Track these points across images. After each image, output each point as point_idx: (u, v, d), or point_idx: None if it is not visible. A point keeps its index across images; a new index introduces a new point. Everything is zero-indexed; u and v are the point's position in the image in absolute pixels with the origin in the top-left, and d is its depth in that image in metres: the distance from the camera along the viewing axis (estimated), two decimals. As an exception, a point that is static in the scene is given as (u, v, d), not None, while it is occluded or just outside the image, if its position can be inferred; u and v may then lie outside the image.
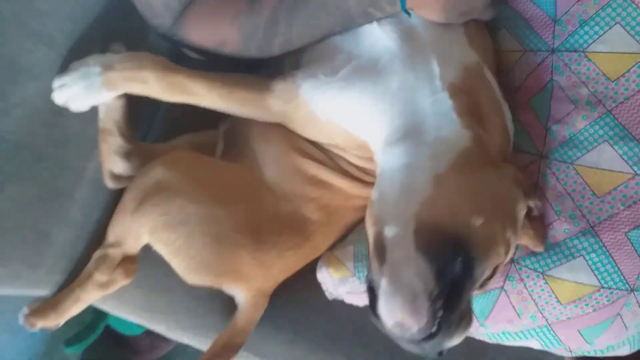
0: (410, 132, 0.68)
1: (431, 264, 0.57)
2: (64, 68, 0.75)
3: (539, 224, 0.68)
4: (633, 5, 0.63)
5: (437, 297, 0.56)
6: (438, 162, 0.65)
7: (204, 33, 0.76)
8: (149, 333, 1.46)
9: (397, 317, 0.57)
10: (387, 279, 0.58)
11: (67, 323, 0.91)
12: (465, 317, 0.60)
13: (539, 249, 0.69)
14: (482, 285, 0.65)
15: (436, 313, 0.56)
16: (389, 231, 0.61)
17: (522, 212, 0.67)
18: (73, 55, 0.76)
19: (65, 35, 0.75)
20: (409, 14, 0.70)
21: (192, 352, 1.66)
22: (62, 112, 0.77)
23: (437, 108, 0.68)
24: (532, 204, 0.67)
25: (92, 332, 1.27)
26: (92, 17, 0.78)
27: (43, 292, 0.90)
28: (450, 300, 0.57)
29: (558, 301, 0.70)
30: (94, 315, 1.28)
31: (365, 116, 0.72)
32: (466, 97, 0.69)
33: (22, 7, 0.68)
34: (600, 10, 0.65)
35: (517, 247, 0.72)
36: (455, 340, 0.60)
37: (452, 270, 0.58)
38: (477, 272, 0.60)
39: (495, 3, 0.74)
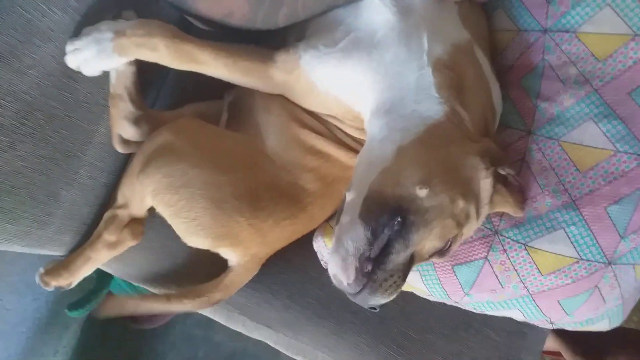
0: (394, 105, 0.71)
1: (366, 229, 0.63)
2: (77, 32, 0.78)
3: (516, 191, 0.69)
4: (624, -13, 0.65)
5: (367, 258, 0.63)
6: (405, 135, 0.68)
7: (211, 2, 0.78)
8: (149, 301, 1.50)
9: (333, 272, 0.65)
10: (333, 238, 0.65)
11: (72, 288, 0.96)
12: (396, 279, 0.64)
13: (519, 214, 0.71)
14: (441, 255, 0.69)
15: (363, 272, 0.63)
16: (348, 196, 0.68)
17: (484, 186, 0.67)
18: (86, 20, 0.79)
19: (79, 0, 0.78)
20: None
21: (191, 323, 1.72)
22: (74, 75, 0.80)
23: (420, 83, 0.71)
24: (504, 171, 0.67)
25: (95, 298, 1.30)
26: (106, -16, 0.81)
27: (55, 252, 0.94)
28: (379, 261, 0.63)
29: (539, 272, 0.73)
30: (97, 281, 1.32)
31: (359, 86, 0.75)
32: (450, 73, 0.71)
33: (39, -30, 0.71)
34: (591, -8, 0.67)
35: (501, 219, 0.75)
36: (380, 298, 0.65)
37: (385, 235, 0.63)
38: (412, 238, 0.64)
39: None
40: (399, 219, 0.63)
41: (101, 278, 1.28)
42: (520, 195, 0.68)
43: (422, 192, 0.64)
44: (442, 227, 0.65)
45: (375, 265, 0.64)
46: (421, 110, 0.70)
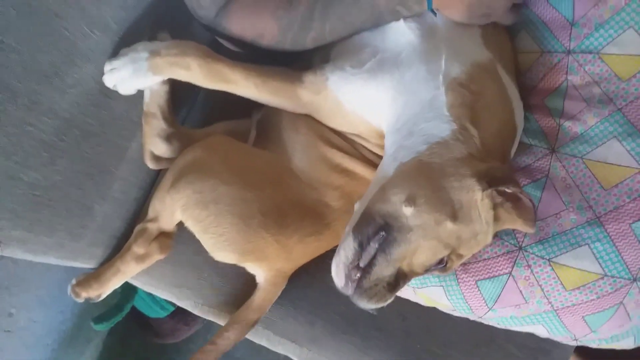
0: (406, 122, 0.74)
1: (354, 241, 0.69)
2: (115, 53, 0.82)
3: (524, 208, 0.68)
4: (647, 10, 0.67)
5: (355, 267, 0.69)
6: (408, 152, 0.71)
7: (244, 24, 0.81)
8: (171, 317, 1.52)
9: (333, 276, 0.72)
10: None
11: (96, 303, 0.98)
12: (380, 289, 0.69)
13: (529, 231, 0.70)
14: (442, 271, 0.72)
15: (351, 279, 0.70)
16: (355, 208, 0.73)
17: (482, 207, 0.68)
18: (123, 42, 0.82)
19: (118, 23, 0.81)
20: (434, 13, 0.75)
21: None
22: (111, 94, 0.84)
23: (433, 102, 0.73)
24: (509, 189, 0.67)
25: (120, 312, 1.32)
26: (142, 7, 0.84)
27: (86, 265, 0.96)
28: (365, 270, 0.69)
29: (563, 287, 0.73)
30: (122, 295, 1.34)
31: (381, 105, 0.77)
32: (465, 91, 0.73)
33: (83, -7, 0.74)
34: (615, 15, 0.69)
35: (525, 235, 0.76)
36: (368, 304, 0.70)
37: (372, 247, 0.69)
38: (393, 254, 0.68)
39: (516, 8, 0.78)
40: (382, 234, 0.68)
41: (125, 293, 1.31)
42: (529, 212, 0.67)
43: (407, 211, 0.67)
44: (428, 246, 0.68)
45: (362, 274, 0.69)
46: (429, 128, 0.72)
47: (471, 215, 0.68)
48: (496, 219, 0.70)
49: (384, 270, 0.69)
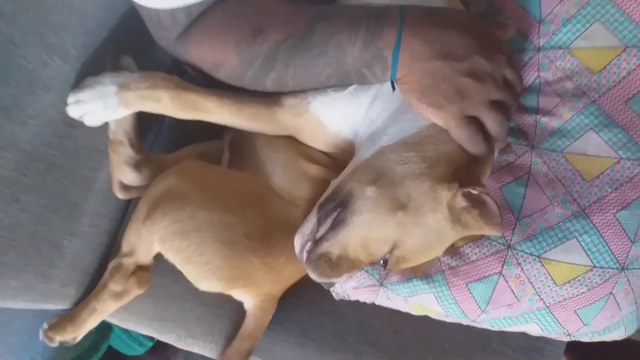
0: (389, 115, 0.75)
1: (316, 215, 0.73)
2: (78, 81, 0.78)
3: (486, 210, 0.67)
4: (612, 3, 0.68)
5: (311, 239, 0.73)
6: (392, 138, 0.72)
7: (204, 51, 0.76)
8: (150, 353, 1.46)
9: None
10: None
11: (68, 345, 0.93)
12: (323, 263, 0.72)
13: (496, 233, 0.69)
14: (384, 267, 0.73)
15: (305, 248, 0.74)
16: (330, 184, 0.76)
17: (441, 209, 0.68)
18: (85, 68, 0.79)
19: (79, 49, 0.78)
20: (393, 86, 0.71)
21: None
22: (74, 123, 0.80)
23: None
24: (475, 191, 0.66)
25: (95, 353, 1.26)
26: (103, 31, 0.81)
27: (59, 306, 0.91)
28: (316, 243, 0.73)
29: (554, 282, 0.73)
30: (97, 335, 1.28)
31: (359, 115, 0.77)
32: None
33: (41, 20, 0.70)
34: (581, 9, 0.70)
35: (513, 233, 0.76)
36: (312, 274, 0.73)
37: (327, 223, 0.72)
38: (339, 233, 0.70)
39: (481, 131, 0.68)
40: (338, 212, 0.71)
41: (100, 331, 1.25)
42: (494, 216, 0.66)
43: (370, 191, 0.69)
44: (372, 235, 0.70)
45: (313, 246, 0.73)
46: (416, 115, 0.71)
47: (425, 214, 0.68)
48: (462, 224, 0.69)
49: (331, 247, 0.71)
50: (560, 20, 0.72)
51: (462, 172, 0.69)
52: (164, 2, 0.71)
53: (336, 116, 0.77)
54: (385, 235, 0.69)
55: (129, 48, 0.85)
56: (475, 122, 0.67)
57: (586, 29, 0.70)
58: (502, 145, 0.77)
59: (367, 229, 0.69)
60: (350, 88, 0.75)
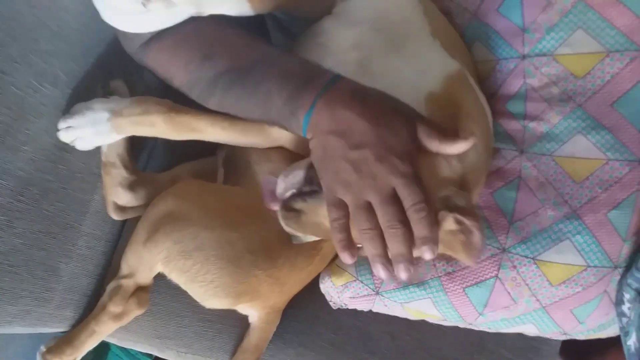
0: None
1: (304, 175, 0.70)
2: (69, 106, 0.79)
3: (469, 240, 0.65)
4: (592, 10, 0.70)
5: (294, 188, 0.71)
6: None
7: (160, 64, 0.78)
8: (147, 370, 1.45)
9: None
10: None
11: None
12: (292, 216, 0.71)
13: (469, 263, 0.67)
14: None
15: (285, 192, 0.72)
16: None
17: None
18: (76, 93, 0.80)
19: (68, 74, 0.78)
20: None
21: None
22: (67, 147, 0.80)
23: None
24: (466, 221, 0.64)
25: (92, 373, 1.26)
26: (92, 56, 0.82)
27: (56, 329, 0.91)
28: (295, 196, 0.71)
29: (549, 283, 0.75)
30: (94, 355, 1.28)
31: None
32: (446, 104, 0.71)
33: (29, 48, 0.71)
34: (563, 17, 0.72)
35: (507, 236, 0.77)
36: (284, 221, 0.72)
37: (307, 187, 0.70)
38: (320, 203, 0.68)
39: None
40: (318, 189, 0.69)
41: (98, 352, 1.24)
42: (475, 248, 0.65)
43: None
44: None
45: (291, 196, 0.71)
46: None
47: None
48: (444, 243, 0.66)
49: (307, 209, 0.71)
50: (544, 28, 0.74)
51: (457, 195, 0.67)
52: (129, 27, 0.74)
53: None
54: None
55: (119, 71, 0.85)
56: (344, 209, 0.64)
57: (569, 36, 0.72)
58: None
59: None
60: None
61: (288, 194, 0.72)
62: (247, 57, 0.72)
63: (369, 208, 0.62)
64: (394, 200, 0.61)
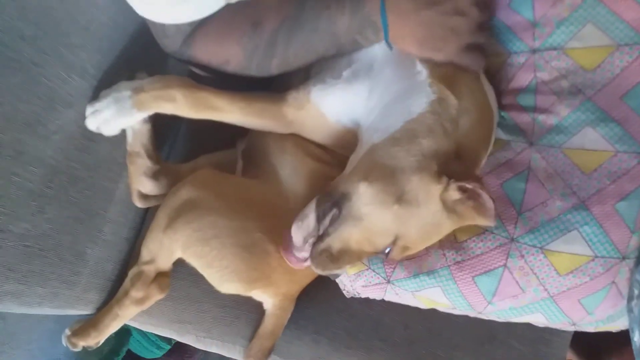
0: (383, 107, 0.77)
1: (315, 212, 0.75)
2: (95, 96, 0.82)
3: (480, 203, 0.70)
4: (602, 4, 0.71)
5: (313, 234, 0.75)
6: (382, 134, 0.75)
7: (210, 51, 0.81)
8: (168, 356, 1.50)
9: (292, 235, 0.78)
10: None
11: (90, 351, 0.96)
12: (324, 258, 0.75)
13: (489, 223, 0.72)
14: (387, 256, 0.77)
15: (307, 242, 0.76)
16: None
17: (435, 199, 0.71)
18: (102, 84, 0.83)
19: (95, 66, 0.82)
20: (390, 46, 0.77)
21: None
22: (94, 137, 0.84)
23: (413, 81, 0.77)
24: (470, 185, 0.69)
25: (116, 356, 1.30)
26: (118, 48, 0.86)
27: (82, 311, 0.95)
28: (319, 239, 0.75)
29: (557, 273, 0.76)
30: (116, 340, 1.32)
31: (359, 105, 0.80)
32: (448, 69, 0.75)
33: (59, 41, 0.75)
34: (573, 12, 0.73)
35: (515, 226, 0.79)
36: (315, 268, 0.76)
37: (327, 220, 0.75)
38: (341, 229, 0.74)
39: (476, 52, 0.76)
40: (335, 210, 0.74)
41: (120, 336, 1.29)
42: (488, 208, 0.69)
43: (361, 189, 0.72)
44: (373, 229, 0.73)
45: (316, 241, 0.75)
46: (405, 106, 0.75)
47: (419, 206, 0.71)
48: (458, 215, 0.73)
49: (332, 242, 0.75)
50: (554, 22, 0.75)
51: (453, 163, 0.72)
52: (169, 18, 0.77)
53: (334, 105, 0.81)
54: (386, 229, 0.73)
55: (143, 63, 0.88)
56: (472, 48, 0.74)
57: (579, 30, 0.74)
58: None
59: (365, 224, 0.73)
60: (345, 73, 0.80)
61: (309, 243, 0.76)
62: (291, 4, 0.76)
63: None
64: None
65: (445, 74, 0.75)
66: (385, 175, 0.72)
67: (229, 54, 0.80)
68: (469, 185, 0.69)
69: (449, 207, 0.72)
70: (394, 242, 0.74)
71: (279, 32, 0.77)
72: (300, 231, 0.76)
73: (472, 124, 0.74)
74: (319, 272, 0.76)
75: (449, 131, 0.72)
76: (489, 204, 0.69)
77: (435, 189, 0.71)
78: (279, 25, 0.76)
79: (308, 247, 0.76)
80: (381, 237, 0.74)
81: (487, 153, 0.80)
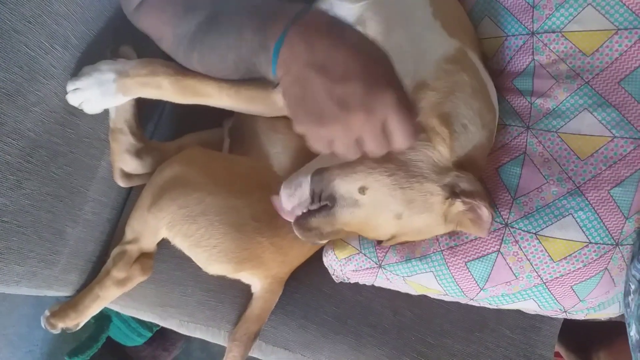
0: None
1: (310, 189, 0.74)
2: (77, 69, 0.79)
3: (478, 215, 0.72)
4: (602, -13, 0.71)
5: (303, 205, 0.75)
6: None
7: (150, 23, 0.77)
8: (149, 344, 1.47)
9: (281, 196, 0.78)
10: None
11: (69, 335, 0.93)
12: (315, 233, 0.76)
13: (483, 235, 0.76)
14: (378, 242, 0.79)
15: (294, 210, 0.76)
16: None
17: (429, 210, 0.73)
18: (85, 56, 0.80)
19: (79, 37, 0.79)
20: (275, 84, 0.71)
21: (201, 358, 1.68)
22: (76, 112, 0.81)
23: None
24: (473, 202, 0.71)
25: (95, 343, 1.27)
26: (103, 20, 0.83)
27: (61, 293, 0.92)
28: (309, 214, 0.76)
29: (551, 259, 0.75)
30: (96, 326, 1.29)
31: None
32: (436, 93, 0.72)
33: (43, 8, 0.71)
34: (573, -6, 0.72)
35: (510, 211, 0.78)
36: (300, 236, 0.77)
37: (315, 204, 0.75)
38: (335, 220, 0.75)
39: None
40: (327, 204, 0.74)
41: (100, 322, 1.26)
42: (483, 222, 0.72)
43: (358, 197, 0.72)
44: (368, 228, 0.75)
45: (306, 215, 0.76)
46: None
47: (422, 214, 0.73)
48: (456, 223, 0.75)
49: (323, 224, 0.75)
50: (554, 4, 0.74)
51: (459, 173, 0.71)
52: None
53: None
54: (383, 232, 0.75)
55: (128, 36, 0.85)
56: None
57: (579, 13, 0.73)
58: None
59: (363, 225, 0.75)
60: None
61: (298, 212, 0.76)
62: (222, 0, 0.69)
63: (360, 146, 0.58)
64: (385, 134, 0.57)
65: (435, 101, 0.73)
66: (388, 185, 0.71)
67: (162, 32, 0.75)
68: (473, 201, 0.71)
69: (449, 217, 0.74)
70: (388, 240, 0.77)
71: (201, 25, 0.70)
72: (291, 199, 0.75)
73: (476, 131, 0.74)
74: (303, 239, 0.77)
75: (449, 152, 0.72)
76: (487, 218, 0.71)
77: (441, 201, 0.72)
78: (203, 19, 0.70)
79: (296, 212, 0.77)
80: (376, 235, 0.76)
81: (489, 151, 0.79)
